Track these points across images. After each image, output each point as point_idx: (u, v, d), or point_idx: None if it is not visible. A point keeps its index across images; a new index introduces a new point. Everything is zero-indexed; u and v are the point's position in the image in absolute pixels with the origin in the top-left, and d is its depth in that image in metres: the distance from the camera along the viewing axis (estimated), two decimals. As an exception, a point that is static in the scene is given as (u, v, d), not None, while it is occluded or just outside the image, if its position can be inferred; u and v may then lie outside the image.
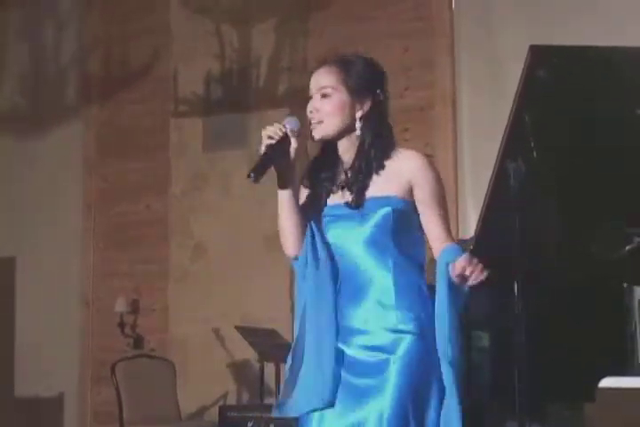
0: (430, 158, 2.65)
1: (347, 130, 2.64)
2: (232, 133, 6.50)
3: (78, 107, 7.21)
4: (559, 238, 3.44)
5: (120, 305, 6.57)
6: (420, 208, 2.60)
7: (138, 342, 6.64)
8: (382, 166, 2.60)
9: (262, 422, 5.19)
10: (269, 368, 5.52)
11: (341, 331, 2.60)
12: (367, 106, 2.63)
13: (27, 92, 7.41)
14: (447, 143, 5.77)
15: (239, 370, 6.27)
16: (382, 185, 2.59)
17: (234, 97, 6.61)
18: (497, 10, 5.66)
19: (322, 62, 2.68)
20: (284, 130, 2.58)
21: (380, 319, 2.56)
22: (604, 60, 3.53)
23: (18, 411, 6.87)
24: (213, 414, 5.79)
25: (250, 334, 5.62)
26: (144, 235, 6.83)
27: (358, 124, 2.63)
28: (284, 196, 2.63)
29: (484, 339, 3.47)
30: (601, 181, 3.50)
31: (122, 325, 6.59)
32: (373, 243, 2.58)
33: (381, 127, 2.65)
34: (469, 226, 5.34)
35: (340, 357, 2.57)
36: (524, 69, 3.41)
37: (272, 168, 2.59)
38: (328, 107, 2.61)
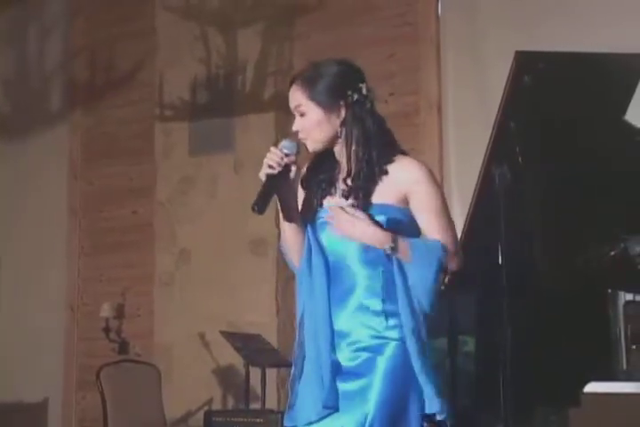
0: (430, 169, 2.62)
1: (335, 138, 2.64)
2: (218, 138, 6.50)
3: (64, 111, 7.20)
4: (544, 243, 3.44)
5: (105, 310, 6.56)
6: (417, 219, 2.60)
7: (123, 346, 6.62)
8: (385, 172, 2.59)
9: (247, 428, 5.19)
10: (255, 373, 5.51)
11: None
12: (343, 112, 2.63)
13: (12, 97, 7.39)
14: (433, 149, 5.78)
15: (224, 375, 6.26)
16: (381, 192, 2.59)
17: (220, 102, 6.61)
18: (483, 15, 5.68)
19: (292, 80, 2.69)
20: (285, 160, 2.57)
21: (365, 324, 2.56)
22: (590, 66, 3.55)
23: (1, 416, 6.83)
24: (199, 419, 5.78)
25: (235, 339, 5.62)
26: (129, 239, 6.82)
27: (340, 131, 2.63)
28: (289, 227, 2.65)
29: (469, 344, 3.48)
30: (587, 186, 3.52)
31: (107, 329, 6.58)
32: (366, 248, 2.57)
33: (366, 126, 2.62)
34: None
35: (336, 366, 2.55)
36: (509, 75, 3.42)
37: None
38: (307, 125, 2.63)
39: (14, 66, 7.42)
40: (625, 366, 3.51)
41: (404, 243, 2.52)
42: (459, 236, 3.81)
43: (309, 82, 2.64)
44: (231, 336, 5.64)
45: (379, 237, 2.52)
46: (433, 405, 2.49)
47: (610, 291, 3.58)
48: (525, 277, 3.25)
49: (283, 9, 6.44)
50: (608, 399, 3.18)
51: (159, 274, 6.66)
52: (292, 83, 2.67)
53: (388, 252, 2.52)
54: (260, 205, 2.53)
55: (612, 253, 3.31)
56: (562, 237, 3.44)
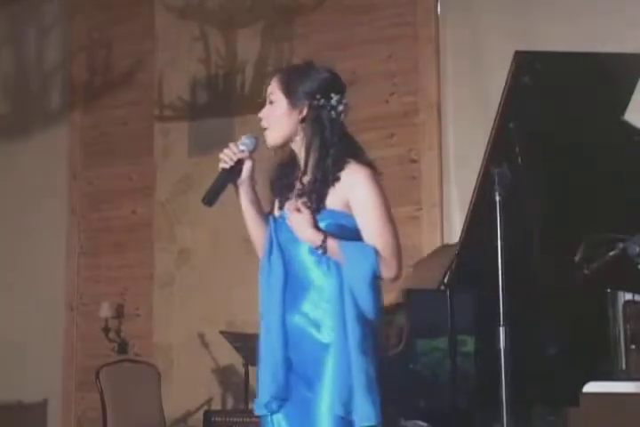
0: (373, 172, 2.64)
1: (293, 134, 2.72)
2: (217, 138, 6.48)
3: (63, 111, 7.19)
4: (544, 243, 3.45)
5: (105, 310, 6.55)
6: (358, 223, 2.62)
7: (122, 346, 6.61)
8: (338, 178, 2.63)
9: (247, 427, 5.19)
10: (254, 373, 5.47)
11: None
12: (305, 111, 2.69)
13: (11, 97, 7.39)
14: (432, 149, 5.77)
15: (224, 375, 6.26)
16: (331, 197, 2.63)
17: (219, 101, 6.61)
18: (482, 15, 5.68)
19: (278, 71, 2.84)
20: (238, 155, 2.71)
21: (314, 324, 2.60)
22: (589, 66, 3.55)
23: (1, 416, 6.83)
24: (198, 419, 5.78)
25: (235, 338, 5.62)
26: (129, 239, 6.82)
27: (299, 127, 2.70)
28: (247, 217, 2.78)
29: (469, 344, 3.48)
30: (587, 186, 3.52)
31: (106, 329, 6.57)
32: (314, 250, 2.61)
33: (325, 133, 2.67)
34: (454, 231, 5.34)
35: (289, 363, 2.61)
36: (508, 75, 3.42)
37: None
38: (272, 113, 2.74)
39: (13, 66, 7.41)
40: (624, 366, 3.51)
41: (334, 244, 2.56)
42: (459, 235, 3.83)
43: (289, 75, 2.77)
44: (231, 336, 5.64)
45: (310, 235, 2.58)
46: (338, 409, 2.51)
47: (609, 291, 3.58)
48: (525, 277, 3.26)
49: (282, 9, 6.44)
50: (607, 399, 3.18)
51: (158, 274, 6.67)
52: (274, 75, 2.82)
53: (319, 251, 2.57)
54: (209, 198, 2.68)
55: (612, 253, 3.30)
56: (561, 236, 3.44)
